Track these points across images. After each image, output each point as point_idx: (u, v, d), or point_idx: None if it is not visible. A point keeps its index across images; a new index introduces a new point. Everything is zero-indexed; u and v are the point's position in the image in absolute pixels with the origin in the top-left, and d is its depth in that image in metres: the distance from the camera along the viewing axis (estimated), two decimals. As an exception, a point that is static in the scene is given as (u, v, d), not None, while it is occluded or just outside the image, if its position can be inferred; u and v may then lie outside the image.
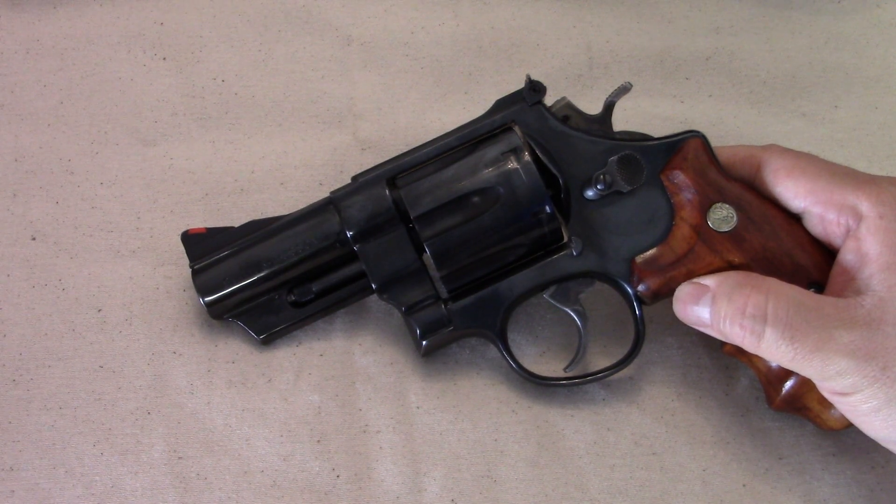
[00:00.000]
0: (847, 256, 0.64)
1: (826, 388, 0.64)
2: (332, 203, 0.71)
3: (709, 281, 0.66)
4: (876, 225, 0.63)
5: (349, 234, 0.70)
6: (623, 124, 0.75)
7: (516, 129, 0.70)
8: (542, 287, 0.70)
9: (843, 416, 0.66)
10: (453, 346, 0.74)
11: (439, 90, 0.83)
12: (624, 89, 0.71)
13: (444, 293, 0.70)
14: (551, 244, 0.69)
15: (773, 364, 0.67)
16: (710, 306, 0.65)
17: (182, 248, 0.73)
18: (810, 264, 0.66)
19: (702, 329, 0.67)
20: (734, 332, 0.64)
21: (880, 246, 0.63)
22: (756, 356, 0.66)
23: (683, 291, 0.67)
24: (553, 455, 0.71)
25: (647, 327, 0.72)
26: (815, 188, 0.65)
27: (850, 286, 0.63)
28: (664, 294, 0.68)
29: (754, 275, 0.65)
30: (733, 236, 0.67)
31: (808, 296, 0.63)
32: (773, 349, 0.63)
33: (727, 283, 0.65)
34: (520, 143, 0.69)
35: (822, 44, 0.85)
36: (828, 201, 0.65)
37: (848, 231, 0.65)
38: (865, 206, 0.64)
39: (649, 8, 0.87)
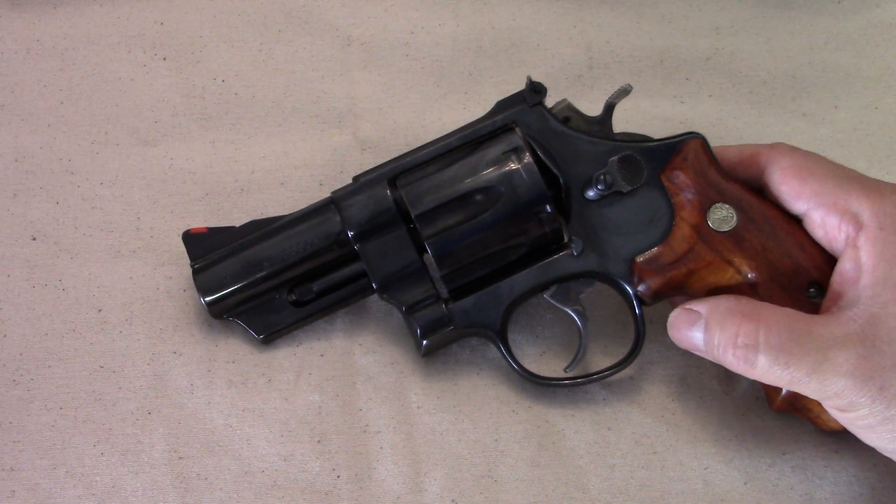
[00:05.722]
0: (846, 265, 0.64)
1: (827, 404, 0.64)
2: (333, 203, 0.71)
3: (701, 307, 0.65)
4: (875, 236, 0.62)
5: (350, 233, 0.70)
6: (623, 125, 0.75)
7: (517, 129, 0.70)
8: (543, 287, 0.70)
9: (843, 417, 0.66)
10: (453, 346, 0.74)
11: (439, 90, 0.83)
12: (624, 91, 0.71)
13: (444, 293, 0.70)
14: (552, 244, 0.69)
15: None
16: (703, 333, 0.65)
17: (182, 247, 0.73)
18: (810, 265, 0.66)
19: (698, 353, 0.66)
20: (728, 360, 0.64)
21: (877, 259, 0.62)
22: None
23: (677, 317, 0.66)
24: (553, 455, 0.71)
25: (648, 327, 0.72)
26: (822, 190, 0.65)
27: (847, 296, 0.63)
28: (664, 294, 0.68)
29: (745, 300, 0.64)
30: (733, 236, 0.67)
31: (799, 318, 0.62)
32: (769, 375, 0.62)
33: (718, 309, 0.64)
34: (521, 144, 0.69)
35: (822, 44, 0.85)
36: (832, 205, 0.64)
37: (848, 238, 0.64)
38: (867, 214, 0.63)
39: (649, 8, 0.87)
